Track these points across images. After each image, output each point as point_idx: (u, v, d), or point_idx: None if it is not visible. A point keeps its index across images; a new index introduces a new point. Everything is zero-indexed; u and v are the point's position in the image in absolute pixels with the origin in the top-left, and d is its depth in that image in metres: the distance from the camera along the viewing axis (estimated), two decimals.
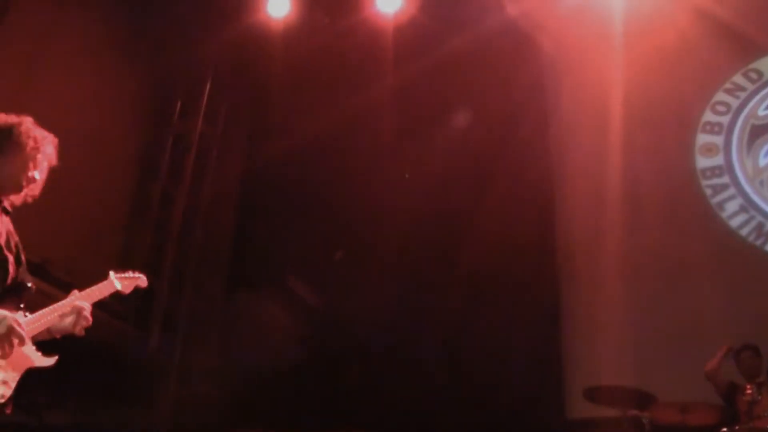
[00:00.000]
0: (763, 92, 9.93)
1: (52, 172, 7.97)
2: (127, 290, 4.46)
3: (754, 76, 10.06)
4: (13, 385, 3.52)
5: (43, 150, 4.04)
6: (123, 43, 9.56)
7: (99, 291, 4.23)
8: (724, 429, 6.39)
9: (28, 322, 3.63)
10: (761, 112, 9.88)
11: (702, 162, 9.90)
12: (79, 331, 3.94)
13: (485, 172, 9.85)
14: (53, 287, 7.94)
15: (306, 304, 9.91)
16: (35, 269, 7.79)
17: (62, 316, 3.89)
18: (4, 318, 3.40)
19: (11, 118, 3.99)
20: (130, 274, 4.50)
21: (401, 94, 10.20)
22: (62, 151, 8.08)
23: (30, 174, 3.96)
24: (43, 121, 7.90)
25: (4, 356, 3.44)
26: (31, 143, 3.97)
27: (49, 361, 3.75)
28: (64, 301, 3.93)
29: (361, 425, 6.97)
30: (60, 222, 8.22)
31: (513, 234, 9.39)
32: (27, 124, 4.02)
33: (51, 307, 3.85)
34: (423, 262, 9.90)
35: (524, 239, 9.44)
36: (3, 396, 3.43)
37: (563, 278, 9.98)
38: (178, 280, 9.88)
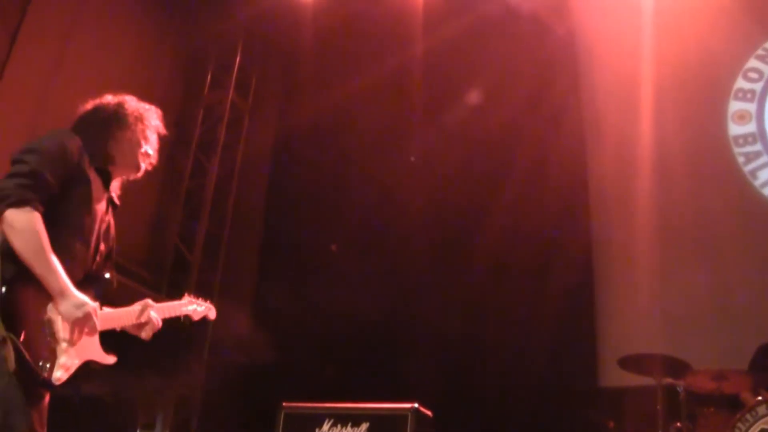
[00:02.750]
0: None
1: None
2: (196, 317, 4.61)
3: None
4: (72, 371, 3.47)
5: (149, 123, 4.08)
6: (154, 15, 9.57)
7: (170, 309, 4.38)
8: (760, 397, 6.27)
9: (103, 316, 3.65)
10: None
11: (734, 129, 9.75)
12: (145, 337, 4.10)
13: (515, 138, 9.74)
14: None
15: (339, 275, 9.85)
16: None
17: (136, 326, 4.05)
18: (85, 304, 3.39)
19: (112, 99, 4.04)
20: (201, 302, 4.66)
21: (431, 61, 10.10)
22: None
23: (143, 150, 4.03)
24: (74, 93, 7.92)
25: (73, 342, 3.42)
26: (137, 119, 4.01)
27: (109, 360, 3.75)
28: (137, 309, 4.02)
29: (392, 398, 6.92)
30: None
31: (544, 201, 9.35)
32: (129, 101, 4.07)
33: (126, 310, 3.96)
34: (452, 230, 9.83)
35: (555, 207, 9.39)
36: (59, 379, 3.38)
37: (595, 247, 9.92)
38: (212, 250, 9.87)
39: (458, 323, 9.18)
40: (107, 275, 3.82)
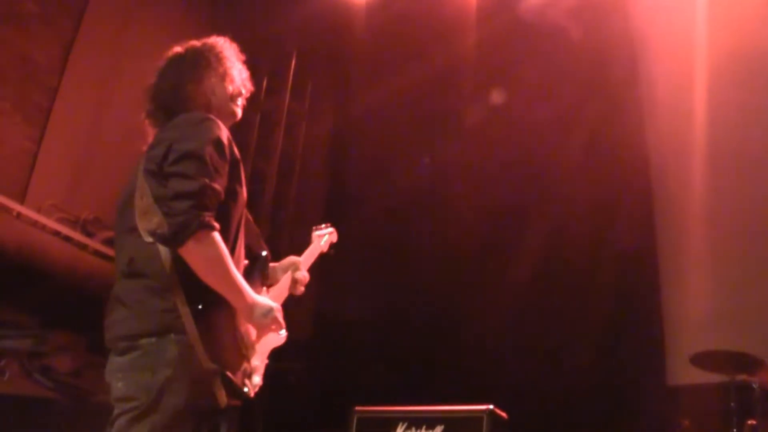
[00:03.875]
0: None
1: (141, 153, 8.09)
2: (326, 248, 4.59)
3: None
4: (263, 370, 3.51)
5: (233, 60, 3.86)
6: (206, 22, 9.60)
7: (310, 257, 4.34)
8: None
9: (272, 299, 3.58)
10: None
11: None
12: (299, 293, 4.03)
13: (569, 133, 9.66)
14: None
15: (397, 278, 9.82)
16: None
17: (290, 288, 3.98)
18: (271, 309, 3.32)
19: (182, 47, 3.83)
20: (324, 228, 4.70)
21: (483, 54, 10.04)
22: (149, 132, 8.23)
23: (232, 91, 3.78)
24: (129, 102, 8.01)
25: (260, 343, 3.46)
26: (218, 60, 3.78)
27: (283, 337, 3.70)
28: (290, 275, 4.00)
29: (453, 400, 6.90)
30: None
31: (605, 194, 9.26)
32: (209, 42, 3.86)
33: (284, 281, 3.95)
34: (506, 227, 9.75)
35: (618, 200, 9.29)
36: (257, 384, 3.44)
37: (660, 243, 9.80)
38: (272, 256, 9.88)
39: (516, 323, 9.09)
40: (264, 253, 3.76)
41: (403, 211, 9.94)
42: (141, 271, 3.20)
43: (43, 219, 7.53)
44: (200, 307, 3.11)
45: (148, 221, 3.12)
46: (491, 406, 6.41)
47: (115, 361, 3.21)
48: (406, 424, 6.77)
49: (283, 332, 3.60)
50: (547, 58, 9.94)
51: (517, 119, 9.77)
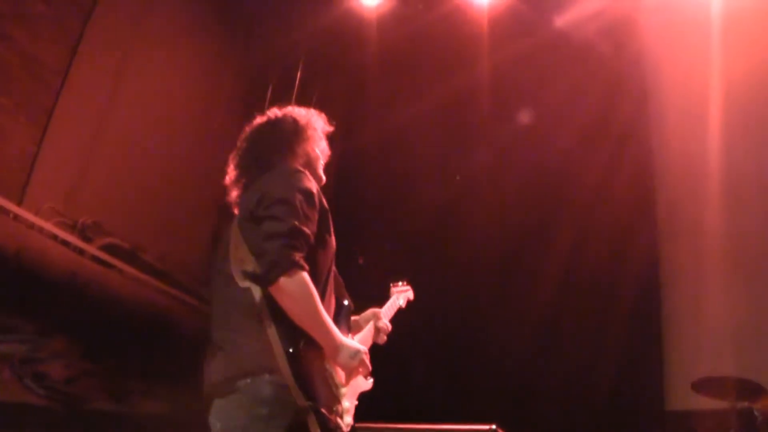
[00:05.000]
0: None
1: (144, 158, 8.04)
2: (404, 304, 4.83)
3: None
4: (353, 411, 3.62)
5: (311, 128, 4.05)
6: (214, 30, 9.64)
7: (391, 308, 4.58)
8: None
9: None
10: None
11: None
12: (381, 342, 4.26)
13: (581, 159, 9.72)
14: (146, 274, 8.01)
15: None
16: (127, 255, 7.88)
17: (373, 336, 4.21)
18: (358, 351, 3.45)
19: (280, 113, 4.04)
20: (402, 286, 4.88)
21: (495, 80, 10.14)
22: (154, 137, 8.17)
23: (315, 157, 3.99)
24: (134, 107, 7.97)
25: (349, 385, 3.53)
26: (310, 127, 4.01)
27: (369, 384, 3.86)
28: (373, 325, 4.23)
29: (459, 418, 6.87)
30: (152, 208, 8.37)
31: (611, 221, 9.31)
32: (297, 111, 4.06)
33: (368, 330, 4.17)
34: (516, 250, 9.80)
35: (621, 226, 9.37)
36: (349, 425, 3.51)
37: (663, 267, 9.88)
38: None
39: (523, 343, 9.11)
40: (346, 302, 3.83)
41: (408, 229, 9.96)
42: (236, 317, 3.36)
43: (40, 222, 7.50)
44: (291, 350, 3.20)
45: (244, 266, 3.30)
46: (494, 426, 6.39)
47: (215, 404, 3.32)
48: None
49: (371, 379, 3.79)
50: (556, 90, 10.00)
51: (522, 152, 9.87)
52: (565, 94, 9.99)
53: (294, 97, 10.38)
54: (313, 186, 3.57)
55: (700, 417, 7.94)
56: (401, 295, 4.83)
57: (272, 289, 3.19)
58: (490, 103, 10.13)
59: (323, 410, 3.22)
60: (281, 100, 10.23)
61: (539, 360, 9.11)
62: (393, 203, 10.14)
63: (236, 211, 3.77)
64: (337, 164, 10.87)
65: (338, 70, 10.91)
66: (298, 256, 3.24)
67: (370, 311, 4.27)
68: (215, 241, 3.71)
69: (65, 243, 7.74)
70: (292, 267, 3.19)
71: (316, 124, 4.04)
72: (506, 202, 9.88)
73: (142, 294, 8.18)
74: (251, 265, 3.27)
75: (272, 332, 3.20)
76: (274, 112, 4.03)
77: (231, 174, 3.94)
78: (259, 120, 4.03)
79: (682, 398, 8.56)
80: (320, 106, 10.51)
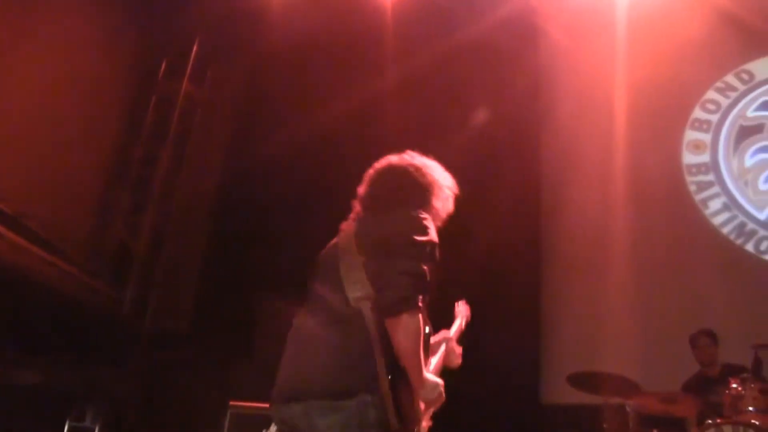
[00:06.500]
0: (754, 93, 10.25)
1: (30, 125, 7.86)
2: (464, 326, 4.81)
3: (745, 77, 10.37)
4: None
5: (443, 186, 4.13)
6: (110, 4, 9.44)
7: (458, 329, 4.62)
8: (709, 421, 6.45)
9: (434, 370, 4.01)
10: (750, 113, 10.22)
11: (689, 158, 10.15)
12: (454, 364, 4.35)
13: (484, 160, 9.86)
14: (29, 243, 7.88)
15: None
16: (10, 222, 7.72)
17: (445, 360, 4.28)
18: (437, 385, 3.59)
19: (420, 168, 4.07)
20: (461, 305, 4.92)
21: (399, 82, 10.20)
22: (46, 102, 8.03)
23: (440, 213, 4.08)
24: (27, 74, 7.81)
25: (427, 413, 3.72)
26: (443, 188, 4.11)
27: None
28: (442, 349, 4.27)
29: None
30: (39, 176, 8.15)
31: (494, 215, 9.45)
32: (434, 168, 4.14)
33: (440, 353, 4.21)
34: None
35: (504, 220, 9.51)
36: None
37: (544, 266, 10.18)
38: (157, 241, 9.81)
39: None
40: (428, 329, 3.87)
41: (295, 211, 9.96)
42: (343, 331, 3.52)
43: None
44: (390, 377, 3.39)
45: (357, 290, 3.49)
46: None
47: (310, 405, 3.51)
48: None
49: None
50: (456, 99, 10.28)
51: (425, 129, 9.96)
52: (466, 103, 10.30)
53: (189, 68, 10.32)
54: (436, 238, 3.72)
55: (574, 411, 8.16)
56: (462, 314, 4.86)
57: (391, 321, 3.39)
58: (390, 105, 10.18)
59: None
60: (175, 75, 10.24)
61: None
62: (283, 183, 10.08)
63: (351, 226, 3.90)
64: (228, 139, 10.93)
65: (235, 46, 10.85)
66: (421, 299, 3.43)
67: (441, 334, 4.37)
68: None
69: None
70: (416, 307, 3.38)
71: (445, 180, 4.14)
72: None
73: (22, 262, 7.83)
74: (363, 290, 3.45)
75: (380, 359, 3.39)
76: (423, 162, 4.11)
77: (363, 197, 4.05)
78: (396, 161, 4.11)
79: (558, 392, 8.89)
80: (214, 85, 10.54)
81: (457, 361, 4.34)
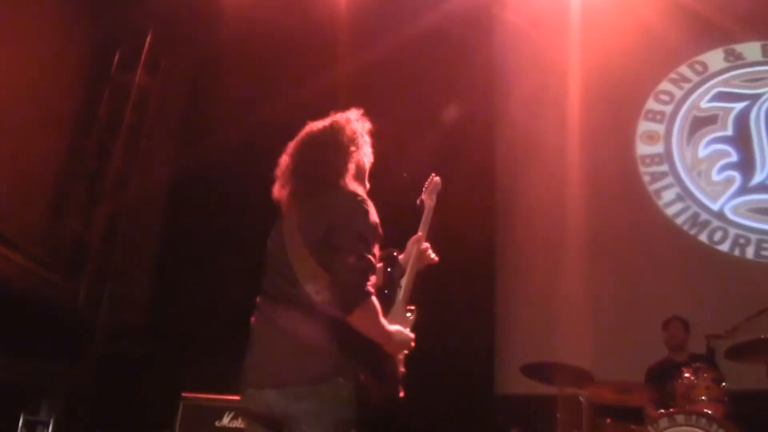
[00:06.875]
0: (707, 85, 10.33)
1: None
2: (433, 202, 4.78)
3: (699, 68, 10.46)
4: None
5: (361, 135, 4.20)
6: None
7: (424, 224, 4.63)
8: (662, 410, 6.57)
9: (405, 292, 4.25)
10: (704, 105, 10.29)
11: (643, 149, 10.25)
12: (432, 261, 4.52)
13: (439, 151, 9.81)
14: None
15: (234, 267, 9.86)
16: None
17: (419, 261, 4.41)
18: (408, 341, 3.93)
19: (337, 121, 4.17)
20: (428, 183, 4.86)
21: (352, 74, 10.15)
22: None
23: (364, 166, 4.18)
24: None
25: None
26: (361, 139, 4.18)
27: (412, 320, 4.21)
28: (411, 258, 4.38)
29: None
30: None
31: (449, 207, 9.45)
32: (350, 119, 4.20)
33: (412, 266, 4.33)
34: None
35: (459, 212, 9.43)
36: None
37: (499, 256, 10.28)
38: (111, 233, 9.83)
39: None
40: (386, 291, 4.13)
41: (249, 201, 9.97)
42: (309, 321, 3.69)
43: None
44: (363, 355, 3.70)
45: (316, 283, 3.66)
46: None
47: (281, 392, 3.68)
48: (232, 414, 6.87)
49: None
50: (410, 93, 10.27)
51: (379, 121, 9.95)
52: (420, 96, 10.30)
53: (141, 65, 10.31)
54: (376, 217, 3.86)
55: (528, 401, 8.20)
56: (430, 193, 4.78)
57: (349, 317, 3.58)
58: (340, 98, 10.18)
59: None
60: (128, 67, 10.23)
61: None
62: (235, 174, 10.08)
63: (285, 211, 4.03)
64: (181, 129, 10.93)
65: (188, 38, 10.84)
66: (370, 286, 3.62)
67: (411, 240, 4.47)
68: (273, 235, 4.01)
69: None
70: (368, 296, 3.59)
71: (362, 128, 4.21)
72: None
73: None
74: (323, 283, 3.62)
75: (347, 342, 3.65)
76: (328, 121, 4.19)
77: (285, 174, 4.13)
78: (315, 127, 4.18)
79: (512, 382, 8.93)
80: (167, 76, 10.51)
81: (430, 259, 4.47)
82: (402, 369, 3.98)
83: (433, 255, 4.51)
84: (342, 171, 4.00)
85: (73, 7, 9.41)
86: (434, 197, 4.77)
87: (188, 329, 9.28)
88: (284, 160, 4.16)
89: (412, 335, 3.93)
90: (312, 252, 3.70)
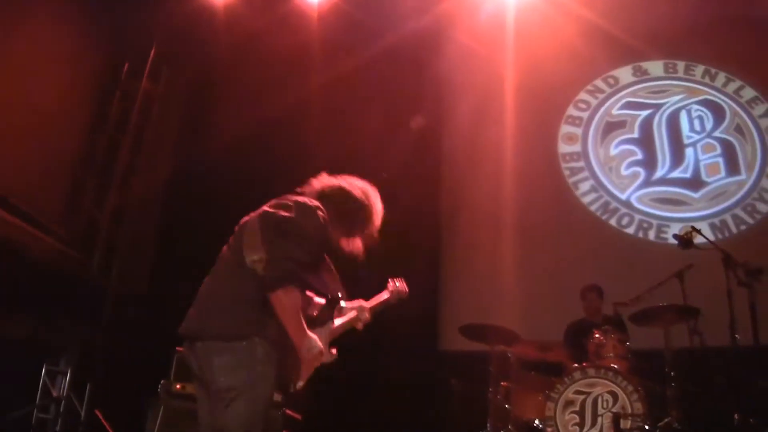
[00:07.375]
0: (618, 95, 10.73)
1: (15, 117, 7.81)
2: (393, 300, 4.78)
3: (611, 81, 10.86)
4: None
5: (379, 218, 4.28)
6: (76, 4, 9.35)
7: (376, 300, 4.60)
8: (576, 365, 6.88)
9: (334, 330, 4.11)
10: (615, 112, 10.66)
11: (563, 148, 10.61)
12: (360, 327, 4.35)
13: (396, 153, 10.07)
14: (16, 218, 7.96)
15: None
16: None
17: (351, 322, 4.30)
18: (316, 344, 3.75)
19: (360, 191, 4.22)
20: (397, 284, 4.84)
21: (323, 84, 10.44)
22: (25, 98, 8.01)
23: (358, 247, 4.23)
24: (6, 74, 7.67)
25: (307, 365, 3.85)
26: (375, 219, 4.26)
27: (333, 355, 4.06)
28: (353, 314, 4.29)
29: None
30: (21, 160, 8.16)
31: (402, 186, 9.29)
32: (373, 198, 4.28)
33: (348, 319, 4.23)
34: None
35: (409, 189, 9.55)
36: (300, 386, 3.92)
37: (444, 230, 10.60)
38: (119, 216, 9.98)
39: None
40: (339, 294, 4.13)
41: (243, 198, 10.05)
42: (238, 283, 3.75)
43: None
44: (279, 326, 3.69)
45: (253, 253, 3.67)
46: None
47: (207, 345, 3.73)
48: None
49: (334, 352, 4.05)
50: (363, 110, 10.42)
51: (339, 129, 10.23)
52: (373, 88, 10.53)
53: (146, 74, 10.43)
54: (326, 232, 3.92)
55: (466, 357, 8.35)
56: (394, 292, 4.78)
57: (271, 295, 3.60)
58: (313, 111, 10.47)
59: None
60: (136, 75, 10.35)
61: None
62: (230, 172, 10.22)
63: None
64: (180, 127, 11.04)
65: (187, 50, 10.94)
66: (299, 277, 3.66)
67: (357, 301, 4.40)
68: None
69: None
70: (291, 284, 3.62)
71: (378, 208, 4.27)
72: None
73: (7, 234, 7.89)
74: (258, 256, 3.64)
75: (269, 309, 3.66)
76: (352, 185, 4.23)
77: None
78: (338, 183, 4.23)
79: (452, 340, 9.17)
80: (168, 83, 10.57)
81: (359, 324, 4.33)
82: (303, 379, 3.88)
83: (362, 323, 4.37)
84: (356, 227, 4.16)
85: (90, 26, 9.39)
86: (394, 297, 4.76)
87: (183, 298, 9.41)
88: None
89: (323, 350, 3.82)
90: (260, 228, 3.70)
